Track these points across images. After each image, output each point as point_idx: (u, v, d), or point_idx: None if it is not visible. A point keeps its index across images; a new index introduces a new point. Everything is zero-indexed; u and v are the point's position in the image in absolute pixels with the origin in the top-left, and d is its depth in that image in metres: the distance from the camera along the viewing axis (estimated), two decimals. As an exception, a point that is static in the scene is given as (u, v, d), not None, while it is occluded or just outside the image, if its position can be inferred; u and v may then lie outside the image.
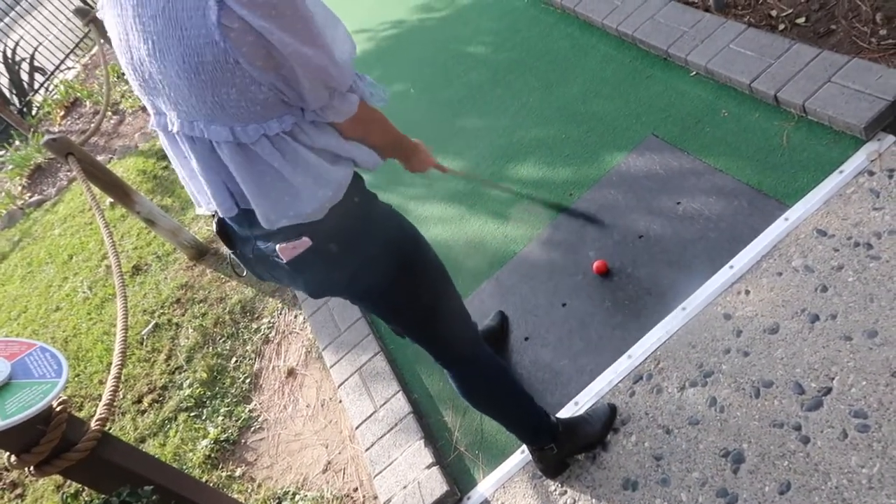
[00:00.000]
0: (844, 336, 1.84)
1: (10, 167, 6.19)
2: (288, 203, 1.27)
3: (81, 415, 3.17)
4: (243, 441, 2.71)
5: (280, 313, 3.11)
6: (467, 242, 2.86)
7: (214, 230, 1.45)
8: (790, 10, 2.73)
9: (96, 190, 3.25)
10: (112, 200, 4.10)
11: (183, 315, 3.43)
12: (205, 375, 3.01)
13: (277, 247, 1.33)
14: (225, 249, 1.51)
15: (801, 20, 2.67)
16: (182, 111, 1.19)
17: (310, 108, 1.22)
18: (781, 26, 2.71)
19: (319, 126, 1.28)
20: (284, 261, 1.34)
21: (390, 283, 1.48)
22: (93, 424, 1.56)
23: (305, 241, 1.32)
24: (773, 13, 2.76)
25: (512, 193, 2.09)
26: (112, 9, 1.15)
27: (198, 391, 2.97)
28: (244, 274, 1.54)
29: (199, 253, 3.73)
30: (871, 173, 2.12)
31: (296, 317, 3.05)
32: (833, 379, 1.78)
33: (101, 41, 5.61)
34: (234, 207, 1.32)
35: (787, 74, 2.47)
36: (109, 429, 2.98)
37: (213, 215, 1.42)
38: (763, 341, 1.95)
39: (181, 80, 1.12)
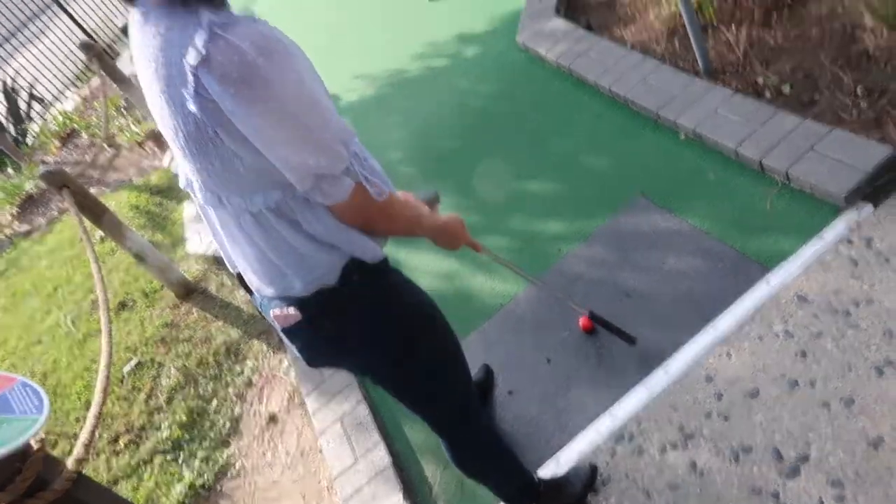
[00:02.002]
0: (822, 403, 1.85)
1: (1, 195, 6.18)
2: (276, 277, 1.24)
3: (55, 453, 3.11)
4: (219, 487, 2.67)
5: (265, 356, 3.10)
6: (454, 293, 2.88)
7: (234, 273, 1.43)
8: (775, 78, 2.82)
9: (88, 223, 3.26)
10: (102, 234, 4.11)
11: (166, 354, 3.41)
12: (184, 417, 2.97)
13: (271, 312, 1.30)
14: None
15: (786, 88, 2.75)
16: (187, 174, 1.22)
17: (296, 187, 1.13)
18: (767, 93, 2.79)
19: (312, 206, 1.17)
20: (279, 328, 1.31)
21: (392, 364, 1.39)
22: (69, 464, 1.54)
23: (296, 315, 1.26)
24: (760, 80, 2.85)
25: (556, 296, 2.16)
26: (146, 89, 1.14)
27: (176, 433, 2.93)
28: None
29: (187, 292, 3.72)
30: (850, 242, 2.17)
31: (280, 361, 3.04)
32: (811, 446, 1.79)
33: (103, 74, 5.66)
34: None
35: (772, 141, 2.54)
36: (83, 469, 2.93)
37: None
38: (744, 405, 1.96)
39: (178, 148, 1.14)
